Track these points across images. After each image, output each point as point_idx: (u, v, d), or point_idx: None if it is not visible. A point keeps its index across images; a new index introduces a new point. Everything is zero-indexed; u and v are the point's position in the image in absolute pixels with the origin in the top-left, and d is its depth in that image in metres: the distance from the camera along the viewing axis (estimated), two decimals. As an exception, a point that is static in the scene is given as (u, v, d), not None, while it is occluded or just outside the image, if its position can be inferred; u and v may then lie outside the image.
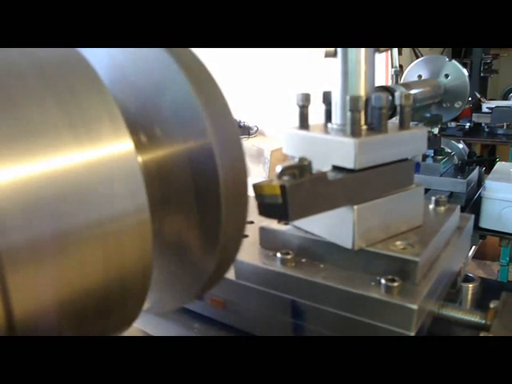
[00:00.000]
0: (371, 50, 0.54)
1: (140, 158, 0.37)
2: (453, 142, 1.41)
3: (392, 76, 1.34)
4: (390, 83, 1.44)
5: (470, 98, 1.34)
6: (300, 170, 0.42)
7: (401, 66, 1.53)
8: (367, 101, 0.53)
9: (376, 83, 0.57)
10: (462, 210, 0.71)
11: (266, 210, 0.42)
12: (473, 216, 0.68)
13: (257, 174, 2.55)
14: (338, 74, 0.55)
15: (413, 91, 1.09)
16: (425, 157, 1.26)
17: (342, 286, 0.49)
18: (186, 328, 0.59)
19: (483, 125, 2.72)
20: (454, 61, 1.26)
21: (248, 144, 2.71)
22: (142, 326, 0.62)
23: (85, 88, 0.30)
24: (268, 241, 0.59)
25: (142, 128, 0.38)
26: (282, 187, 0.41)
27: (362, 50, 0.53)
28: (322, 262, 0.54)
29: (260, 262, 0.55)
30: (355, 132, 0.50)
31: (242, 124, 2.93)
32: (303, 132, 0.56)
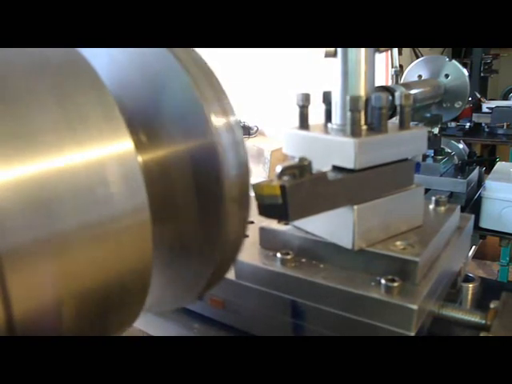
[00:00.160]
0: (371, 50, 0.54)
1: (140, 158, 0.37)
2: (453, 142, 1.40)
3: (392, 76, 1.34)
4: (390, 83, 1.44)
5: (470, 98, 1.34)
6: (300, 170, 0.42)
7: (401, 66, 1.53)
8: (367, 101, 0.53)
9: (376, 83, 0.57)
10: (462, 210, 0.71)
11: (266, 210, 0.42)
12: (473, 216, 0.68)
13: (257, 174, 2.55)
14: (338, 74, 0.55)
15: (413, 91, 1.09)
16: (425, 157, 1.26)
17: (342, 286, 0.49)
18: (186, 328, 0.59)
19: (483, 125, 2.71)
20: (454, 61, 1.26)
21: (248, 144, 2.71)
22: (142, 326, 0.62)
23: (85, 88, 0.30)
24: (268, 241, 0.59)
25: (142, 127, 0.38)
26: (282, 187, 0.41)
27: (362, 49, 0.53)
28: (322, 262, 0.54)
29: (260, 262, 0.55)
30: (355, 132, 0.50)
31: (242, 124, 2.93)
32: (303, 132, 0.56)
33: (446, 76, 1.26)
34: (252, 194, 0.40)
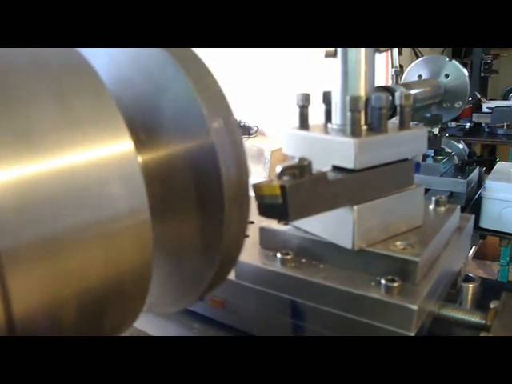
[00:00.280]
0: (371, 50, 0.54)
1: (140, 158, 0.37)
2: (453, 142, 1.40)
3: (392, 76, 1.34)
4: (390, 83, 1.44)
5: (470, 98, 1.34)
6: (300, 170, 0.42)
7: (401, 66, 1.53)
8: (367, 101, 0.53)
9: (376, 83, 0.57)
10: (462, 210, 0.71)
11: (265, 210, 0.42)
12: (473, 216, 0.68)
13: (257, 174, 2.55)
14: (338, 74, 0.55)
15: (413, 91, 1.09)
16: (425, 157, 1.26)
17: (342, 286, 0.49)
18: (186, 328, 0.59)
19: (483, 125, 2.72)
20: (454, 61, 1.26)
21: (248, 144, 2.71)
22: (142, 326, 0.62)
23: (85, 88, 0.30)
24: (268, 241, 0.59)
25: (142, 127, 0.38)
26: (282, 187, 0.41)
27: (362, 49, 0.53)
28: (322, 263, 0.54)
29: (260, 263, 0.55)
30: (355, 132, 0.50)
31: (242, 124, 2.93)
32: (303, 132, 0.56)
33: (446, 76, 1.26)
34: (252, 194, 0.40)
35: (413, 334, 0.44)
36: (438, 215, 0.61)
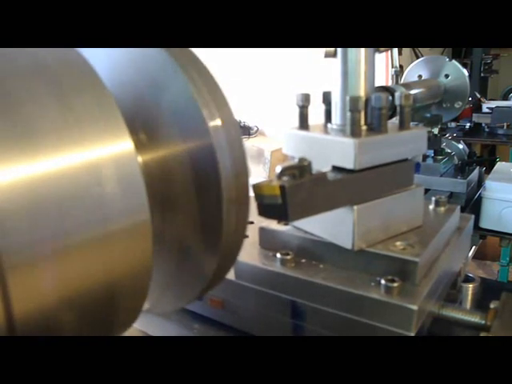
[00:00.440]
0: (371, 50, 0.54)
1: (140, 158, 0.37)
2: (453, 142, 1.41)
3: (392, 76, 1.34)
4: (390, 83, 1.44)
5: (470, 98, 1.34)
6: (300, 170, 0.42)
7: (401, 66, 1.53)
8: (367, 101, 0.53)
9: (376, 83, 0.57)
10: (462, 210, 0.71)
11: (265, 210, 0.42)
12: (473, 216, 0.68)
13: (257, 174, 2.55)
14: (338, 74, 0.55)
15: (413, 91, 1.09)
16: (425, 157, 1.26)
17: (342, 286, 0.49)
18: (186, 328, 0.59)
19: (483, 125, 2.72)
20: (454, 61, 1.26)
21: (248, 144, 2.71)
22: (142, 326, 0.62)
23: (85, 88, 0.30)
24: (268, 241, 0.59)
25: (142, 128, 0.38)
26: (282, 187, 0.41)
27: (362, 49, 0.53)
28: (322, 263, 0.54)
29: (260, 263, 0.55)
30: (355, 132, 0.50)
31: (242, 124, 2.93)
32: (303, 132, 0.56)
33: (446, 76, 1.26)
34: (252, 194, 0.40)
35: (413, 334, 0.44)
36: (437, 215, 0.61)
